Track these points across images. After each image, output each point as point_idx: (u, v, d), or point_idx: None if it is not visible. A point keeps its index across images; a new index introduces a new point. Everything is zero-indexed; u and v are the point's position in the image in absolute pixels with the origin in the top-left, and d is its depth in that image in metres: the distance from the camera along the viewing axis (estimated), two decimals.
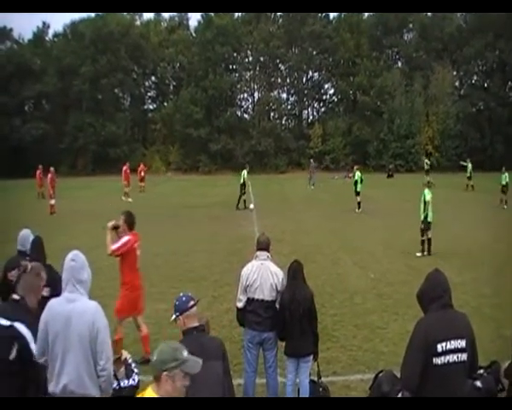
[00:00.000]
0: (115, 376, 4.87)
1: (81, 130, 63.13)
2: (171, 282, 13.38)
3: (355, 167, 30.60)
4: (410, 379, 4.45)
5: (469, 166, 38.15)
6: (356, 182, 27.62)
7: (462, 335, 4.48)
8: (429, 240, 17.00)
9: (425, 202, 17.05)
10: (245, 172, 29.69)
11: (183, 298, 4.85)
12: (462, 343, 4.44)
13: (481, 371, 5.36)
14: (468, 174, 37.73)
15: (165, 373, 3.37)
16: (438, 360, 4.38)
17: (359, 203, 26.96)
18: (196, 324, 4.83)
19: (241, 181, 29.45)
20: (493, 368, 5.19)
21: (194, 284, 12.87)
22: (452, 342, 4.41)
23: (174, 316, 4.85)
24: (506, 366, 4.93)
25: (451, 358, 4.40)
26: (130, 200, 32.95)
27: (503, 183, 28.65)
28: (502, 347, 7.78)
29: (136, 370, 5.09)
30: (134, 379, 4.98)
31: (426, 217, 16.98)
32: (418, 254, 16.71)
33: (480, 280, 13.58)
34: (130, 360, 5.16)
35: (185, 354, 3.45)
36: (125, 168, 35.31)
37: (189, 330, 4.77)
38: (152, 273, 14.55)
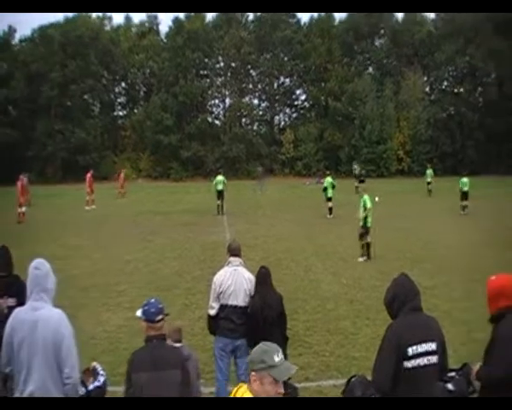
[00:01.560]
0: (83, 383, 4.79)
1: (50, 137, 61.95)
2: (142, 290, 13.17)
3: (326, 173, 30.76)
4: (382, 383, 4.45)
5: (428, 171, 38.61)
6: (325, 188, 27.63)
7: (433, 337, 4.54)
8: (368, 244, 17.19)
9: (365, 208, 17.30)
10: (223, 178, 29.64)
11: (152, 309, 4.81)
12: (432, 346, 4.49)
13: (453, 373, 5.50)
14: (429, 179, 38.04)
15: (252, 373, 3.39)
16: (408, 364, 4.40)
17: (331, 209, 27.02)
18: (161, 332, 4.83)
19: (221, 187, 29.13)
20: (464, 370, 5.25)
21: (166, 292, 12.73)
22: (423, 345, 4.45)
23: (139, 315, 4.88)
24: (477, 368, 4.96)
25: (422, 361, 4.44)
26: (93, 207, 32.67)
27: (465, 189, 28.23)
28: (473, 350, 7.84)
29: (101, 372, 5.01)
30: (99, 380, 4.92)
31: (365, 222, 17.20)
32: (360, 260, 16.85)
33: (451, 284, 13.75)
34: (98, 367, 5.06)
35: (276, 359, 3.37)
36: (88, 176, 34.57)
37: (150, 337, 4.77)
38: (122, 281, 14.39)
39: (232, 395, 3.45)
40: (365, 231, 17.30)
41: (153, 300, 4.95)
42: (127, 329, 10.42)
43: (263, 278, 6.97)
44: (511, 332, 4.72)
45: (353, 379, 5.66)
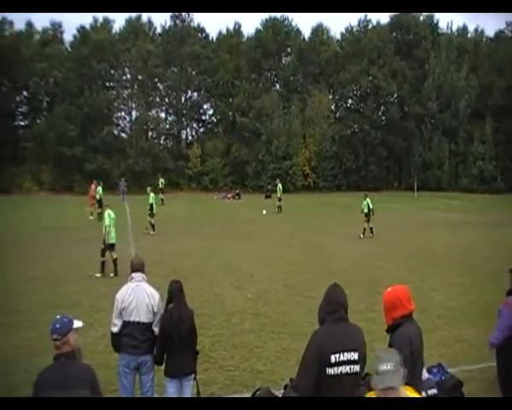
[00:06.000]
0: None
1: None
2: (44, 308, 12.72)
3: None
4: (304, 388, 4.57)
5: (279, 186, 39.16)
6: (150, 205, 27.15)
7: (355, 347, 4.71)
8: (114, 261, 17.22)
9: (107, 225, 17.56)
10: (100, 188, 33.46)
11: (61, 320, 4.75)
12: (354, 356, 4.66)
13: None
14: (279, 196, 38.42)
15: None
16: (331, 371, 4.55)
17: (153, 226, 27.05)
18: (67, 349, 4.64)
19: (98, 197, 32.83)
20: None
21: (69, 310, 12.21)
22: (345, 354, 4.61)
23: (53, 337, 4.68)
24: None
25: (344, 369, 4.59)
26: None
27: (366, 210, 25.71)
28: (373, 359, 8.08)
29: None
30: None
31: (108, 238, 17.41)
32: (97, 275, 16.92)
33: (355, 296, 14.07)
34: None
35: (381, 367, 3.74)
36: (93, 187, 35.46)
37: (59, 356, 4.61)
38: (23, 300, 13.77)
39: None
40: (107, 247, 17.43)
41: (58, 316, 4.84)
42: (25, 350, 10.03)
43: (177, 293, 6.82)
44: (402, 341, 4.99)
45: (258, 392, 5.73)
